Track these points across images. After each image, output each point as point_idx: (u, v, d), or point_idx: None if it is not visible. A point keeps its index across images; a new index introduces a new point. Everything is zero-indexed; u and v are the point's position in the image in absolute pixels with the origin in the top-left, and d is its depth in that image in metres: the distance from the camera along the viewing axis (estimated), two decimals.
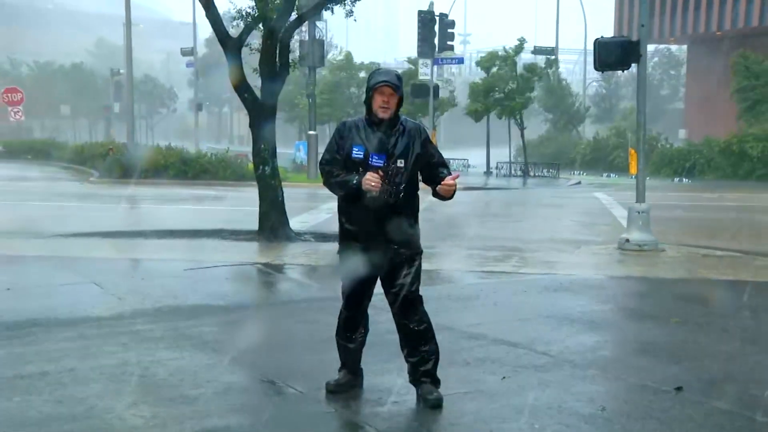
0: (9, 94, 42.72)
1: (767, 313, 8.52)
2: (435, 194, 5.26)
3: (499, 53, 36.37)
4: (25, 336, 6.93)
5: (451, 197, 5.18)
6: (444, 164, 5.32)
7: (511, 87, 35.55)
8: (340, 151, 5.19)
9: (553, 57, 42.97)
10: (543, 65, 38.84)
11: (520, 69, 36.45)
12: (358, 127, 5.20)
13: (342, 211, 5.28)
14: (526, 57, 41.16)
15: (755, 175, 31.90)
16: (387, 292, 5.25)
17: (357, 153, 5.11)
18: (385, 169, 5.05)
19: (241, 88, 13.41)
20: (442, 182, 5.13)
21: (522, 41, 36.52)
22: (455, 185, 5.14)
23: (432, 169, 5.24)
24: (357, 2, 14.29)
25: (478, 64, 37.94)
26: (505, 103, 35.64)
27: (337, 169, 5.18)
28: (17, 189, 27.06)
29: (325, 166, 5.25)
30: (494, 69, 36.30)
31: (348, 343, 5.42)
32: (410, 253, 5.19)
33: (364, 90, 5.20)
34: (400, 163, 5.10)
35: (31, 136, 55.36)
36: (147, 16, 74.69)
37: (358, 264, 5.16)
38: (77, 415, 5.08)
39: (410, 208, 5.21)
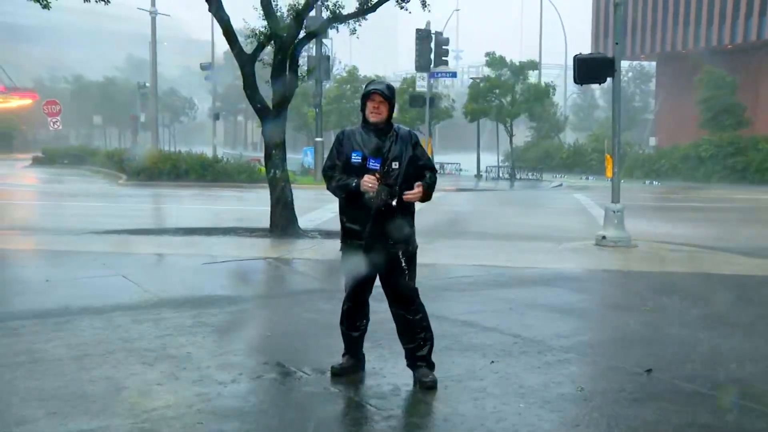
0: (49, 106, 43.01)
1: (727, 302, 8.50)
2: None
3: (509, 62, 35.93)
4: (63, 322, 6.92)
5: (425, 200, 5.11)
6: (429, 167, 5.24)
7: (514, 95, 35.13)
8: (340, 158, 5.17)
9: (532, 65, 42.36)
10: (548, 86, 38.14)
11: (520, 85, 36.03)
12: (355, 134, 5.19)
13: (343, 211, 5.25)
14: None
15: (713, 177, 31.97)
16: (385, 286, 5.23)
17: (356, 158, 5.10)
18: (381, 171, 5.04)
19: (255, 99, 13.41)
20: (404, 194, 5.03)
21: (533, 61, 36.28)
22: (417, 194, 5.03)
23: (418, 170, 5.19)
24: (359, 22, 14.25)
25: (487, 55, 37.19)
26: (504, 108, 35.25)
27: (337, 173, 5.16)
28: (55, 190, 27.12)
29: (327, 171, 5.24)
30: (502, 71, 35.70)
31: (351, 332, 5.40)
32: (406, 249, 5.16)
33: (360, 98, 5.22)
34: (395, 165, 5.09)
35: (67, 143, 55.34)
36: (171, 35, 74.62)
37: (358, 260, 5.14)
38: (109, 393, 5.08)
39: (406, 207, 5.17)
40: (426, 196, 5.11)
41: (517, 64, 35.67)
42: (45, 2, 12.21)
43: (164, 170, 28.88)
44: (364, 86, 5.40)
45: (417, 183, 5.07)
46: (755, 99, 42.94)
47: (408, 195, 5.04)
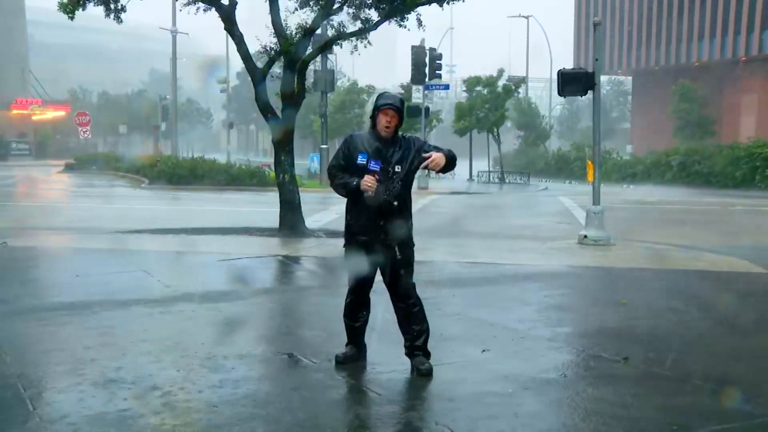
0: (80, 117, 43.26)
1: (695, 295, 8.50)
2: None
3: (483, 78, 36.09)
4: (91, 314, 6.93)
5: (448, 168, 5.00)
6: (440, 149, 5.09)
7: (487, 106, 35.33)
8: (347, 159, 5.16)
9: (519, 78, 42.33)
10: (513, 86, 38.53)
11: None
12: (362, 138, 5.19)
13: (348, 211, 5.24)
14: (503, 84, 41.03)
15: (681, 182, 32.02)
16: (385, 280, 5.22)
17: (361, 160, 5.10)
18: (380, 172, 5.03)
19: (266, 109, 13.39)
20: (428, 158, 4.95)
21: (502, 70, 36.34)
22: (434, 158, 4.93)
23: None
24: (359, 40, 14.24)
25: (465, 82, 37.59)
26: (484, 120, 35.46)
27: (341, 173, 5.16)
28: (84, 193, 27.09)
29: (331, 170, 5.24)
30: (479, 88, 35.90)
31: (353, 323, 5.38)
32: (405, 247, 5.15)
33: (372, 108, 5.20)
34: (397, 168, 5.07)
35: (95, 150, 55.21)
36: (190, 51, 74.55)
37: (360, 257, 5.13)
38: (134, 378, 5.07)
39: (404, 208, 5.17)
40: (449, 164, 4.98)
41: (488, 77, 35.70)
42: (71, 15, 12.33)
43: (182, 175, 28.84)
44: (368, 98, 5.36)
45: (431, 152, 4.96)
46: (719, 111, 43.29)
47: (431, 158, 4.91)
